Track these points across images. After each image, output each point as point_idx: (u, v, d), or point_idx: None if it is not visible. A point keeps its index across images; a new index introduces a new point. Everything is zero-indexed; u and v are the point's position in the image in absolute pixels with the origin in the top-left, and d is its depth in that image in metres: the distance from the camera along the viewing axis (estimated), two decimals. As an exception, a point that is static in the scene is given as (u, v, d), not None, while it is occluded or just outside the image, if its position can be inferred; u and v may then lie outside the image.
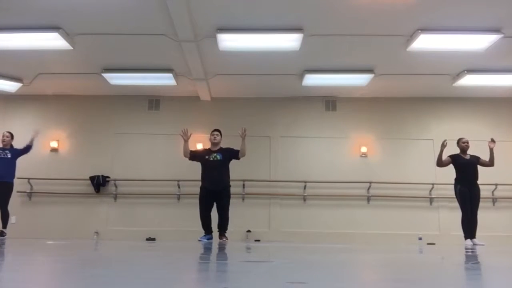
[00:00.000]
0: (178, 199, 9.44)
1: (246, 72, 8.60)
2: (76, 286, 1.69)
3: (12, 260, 3.01)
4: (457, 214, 7.21)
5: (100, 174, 9.51)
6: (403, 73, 8.61)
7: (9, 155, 7.33)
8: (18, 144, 7.63)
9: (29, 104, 9.88)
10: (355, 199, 9.49)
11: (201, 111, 9.88)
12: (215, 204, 6.81)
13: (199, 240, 6.66)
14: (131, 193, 9.50)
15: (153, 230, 9.16)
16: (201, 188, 6.87)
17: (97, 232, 9.24)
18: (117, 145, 9.78)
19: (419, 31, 6.79)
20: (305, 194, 9.49)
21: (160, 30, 6.96)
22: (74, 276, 2.02)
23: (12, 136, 7.52)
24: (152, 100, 9.97)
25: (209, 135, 7.08)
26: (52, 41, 7.12)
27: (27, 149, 7.48)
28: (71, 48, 7.40)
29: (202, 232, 6.82)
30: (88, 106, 9.92)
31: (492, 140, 7.17)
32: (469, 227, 6.96)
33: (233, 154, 6.82)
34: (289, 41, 7.15)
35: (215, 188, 6.70)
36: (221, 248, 4.89)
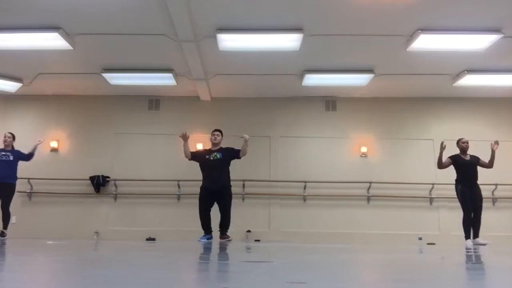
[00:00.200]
0: (178, 199, 9.44)
1: (246, 72, 8.60)
2: (76, 286, 1.69)
3: (12, 260, 3.01)
4: (457, 214, 7.22)
5: (100, 174, 9.51)
6: (403, 73, 8.61)
7: (11, 157, 7.34)
8: (19, 145, 7.63)
9: (29, 104, 9.88)
10: (355, 199, 9.49)
11: (201, 111, 9.88)
12: (215, 204, 6.81)
13: (199, 241, 6.66)
14: (131, 193, 9.50)
15: (153, 230, 9.16)
16: (201, 187, 6.87)
17: (97, 232, 9.24)
18: (117, 145, 9.78)
19: (419, 31, 6.79)
20: (305, 194, 9.48)
21: (160, 30, 6.96)
22: (74, 276, 2.02)
23: (13, 137, 7.55)
24: (152, 100, 9.97)
25: (209, 135, 7.08)
26: (52, 41, 7.12)
27: (29, 157, 7.50)
28: (71, 48, 7.40)
29: (202, 232, 6.82)
30: (88, 106, 9.92)
31: (496, 142, 7.15)
32: (471, 227, 6.97)
33: (233, 153, 6.82)
34: (289, 41, 7.15)
35: (215, 187, 6.70)
36: (221, 248, 4.89)
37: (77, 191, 9.50)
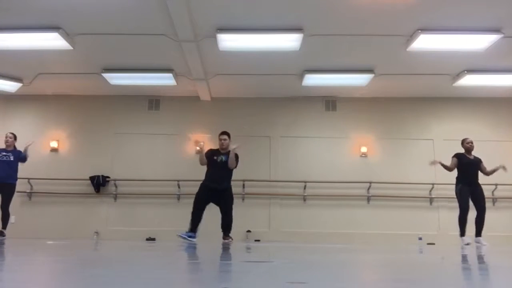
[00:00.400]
0: (178, 199, 9.44)
1: (246, 72, 8.60)
2: (76, 286, 1.69)
3: (12, 260, 3.01)
4: (457, 214, 7.21)
5: (100, 174, 9.51)
6: (403, 73, 8.61)
7: (11, 158, 7.37)
8: (19, 145, 7.64)
9: (29, 104, 9.88)
10: (355, 199, 9.49)
11: (201, 111, 9.88)
12: (217, 207, 6.79)
13: (180, 236, 6.52)
14: (131, 193, 9.50)
15: (153, 230, 9.16)
16: (201, 184, 6.85)
17: (97, 232, 9.24)
18: (117, 145, 9.78)
19: (419, 31, 6.79)
20: (305, 194, 9.48)
21: (160, 30, 6.96)
22: (74, 276, 2.02)
23: (15, 137, 7.57)
24: (152, 100, 9.97)
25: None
26: (52, 41, 7.12)
27: (24, 159, 7.48)
28: (71, 48, 7.40)
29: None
30: (88, 106, 9.92)
31: (504, 168, 7.13)
32: (474, 226, 7.01)
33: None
34: (289, 41, 7.15)
35: (215, 186, 6.69)
36: (222, 248, 4.89)
37: (77, 191, 9.49)
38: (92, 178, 9.48)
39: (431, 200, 9.47)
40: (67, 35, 7.04)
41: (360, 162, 9.71)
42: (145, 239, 8.92)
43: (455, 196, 7.25)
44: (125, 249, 4.57)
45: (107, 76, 8.73)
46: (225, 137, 6.84)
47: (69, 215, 9.33)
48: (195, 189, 7.03)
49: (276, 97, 9.84)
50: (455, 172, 7.24)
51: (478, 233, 7.00)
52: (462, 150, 7.29)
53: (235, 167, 6.77)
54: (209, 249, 4.61)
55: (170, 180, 9.40)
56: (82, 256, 3.39)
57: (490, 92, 9.40)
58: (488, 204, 9.01)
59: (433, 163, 7.10)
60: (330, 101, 9.98)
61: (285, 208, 9.49)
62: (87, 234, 9.06)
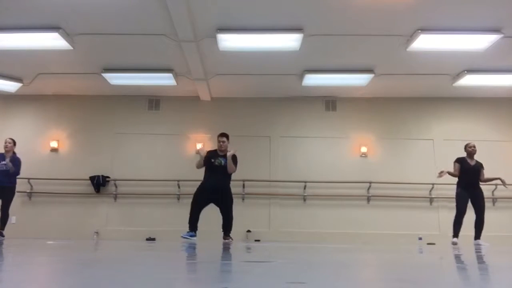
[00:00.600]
0: (178, 199, 9.44)
1: (246, 72, 8.60)
2: (76, 286, 1.69)
3: (12, 260, 3.01)
4: (456, 215, 7.23)
5: (100, 174, 9.51)
6: (403, 73, 8.62)
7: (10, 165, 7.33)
8: (19, 146, 7.62)
9: (29, 104, 9.88)
10: (355, 199, 9.49)
11: (201, 111, 9.88)
12: (216, 206, 6.80)
13: (183, 237, 6.59)
14: (131, 193, 9.50)
15: (153, 230, 9.16)
16: (200, 185, 6.85)
17: (97, 232, 9.24)
18: (117, 145, 9.78)
19: (419, 31, 6.79)
20: (305, 194, 9.48)
21: (160, 30, 6.96)
22: (74, 276, 2.02)
23: (14, 142, 7.51)
24: (152, 100, 9.98)
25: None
26: (52, 41, 7.12)
27: (16, 173, 7.36)
28: (71, 48, 7.40)
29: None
30: (88, 106, 9.92)
31: (504, 183, 7.18)
32: (474, 228, 7.06)
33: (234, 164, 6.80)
34: (289, 41, 7.15)
35: (214, 187, 6.70)
36: (222, 248, 4.89)
37: (77, 191, 9.50)
38: (92, 178, 9.48)
39: (431, 200, 9.47)
40: (67, 35, 7.04)
41: (360, 162, 9.71)
42: (145, 239, 8.91)
43: (455, 197, 7.28)
44: (125, 249, 4.57)
45: (107, 76, 8.73)
46: (224, 139, 6.81)
47: (69, 215, 9.33)
48: (195, 189, 7.03)
49: (276, 97, 9.85)
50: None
51: (478, 236, 7.00)
52: (463, 153, 7.31)
53: (235, 171, 6.77)
54: (209, 249, 4.61)
55: (170, 180, 9.40)
56: (82, 256, 3.39)
57: (490, 92, 9.40)
58: (488, 204, 9.04)
59: (441, 174, 7.07)
60: (330, 101, 9.98)
61: (285, 208, 9.49)
62: (87, 234, 9.06)
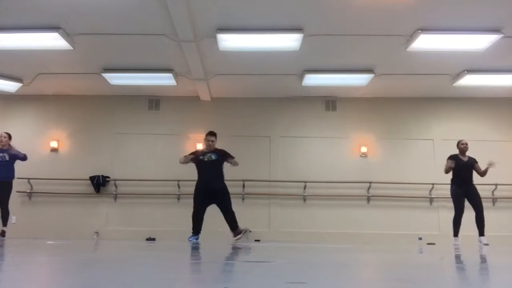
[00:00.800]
0: (178, 199, 9.44)
1: (246, 72, 8.60)
2: (76, 286, 1.68)
3: (12, 260, 3.01)
4: (456, 214, 7.23)
5: (100, 174, 9.51)
6: (403, 73, 8.61)
7: (7, 158, 7.38)
8: (19, 146, 7.63)
9: (29, 104, 9.88)
10: (355, 199, 9.49)
11: (201, 111, 9.88)
12: (216, 206, 6.82)
13: (190, 240, 6.66)
14: (131, 193, 9.50)
15: (153, 230, 9.16)
16: (196, 187, 6.89)
17: (97, 232, 9.24)
18: (117, 145, 9.78)
19: (419, 31, 6.79)
20: (305, 194, 9.48)
21: (160, 30, 6.96)
22: (74, 276, 2.02)
23: (10, 136, 7.56)
24: (152, 100, 9.98)
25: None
26: (52, 41, 7.12)
27: (24, 158, 7.47)
28: (71, 48, 7.40)
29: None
30: (88, 106, 9.92)
31: (491, 164, 7.10)
32: (476, 226, 7.05)
33: (225, 157, 6.88)
34: (289, 41, 7.15)
35: (209, 187, 6.72)
36: (221, 248, 4.89)
37: (77, 191, 9.50)
38: (92, 178, 9.48)
39: (431, 200, 9.47)
40: (67, 35, 7.04)
41: (360, 162, 9.71)
42: (145, 239, 8.91)
43: (450, 196, 7.32)
44: (125, 249, 4.57)
45: (107, 76, 8.72)
46: (213, 138, 6.90)
47: (69, 215, 9.33)
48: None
49: (276, 97, 9.84)
50: (450, 173, 7.30)
51: (481, 232, 7.03)
52: (457, 151, 7.35)
53: (238, 163, 6.89)
54: (209, 249, 4.61)
55: (170, 180, 9.39)
56: (82, 256, 3.39)
57: (490, 92, 9.40)
58: (488, 204, 9.08)
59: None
60: (330, 101, 9.98)
61: (285, 208, 9.48)
62: (87, 234, 9.06)
